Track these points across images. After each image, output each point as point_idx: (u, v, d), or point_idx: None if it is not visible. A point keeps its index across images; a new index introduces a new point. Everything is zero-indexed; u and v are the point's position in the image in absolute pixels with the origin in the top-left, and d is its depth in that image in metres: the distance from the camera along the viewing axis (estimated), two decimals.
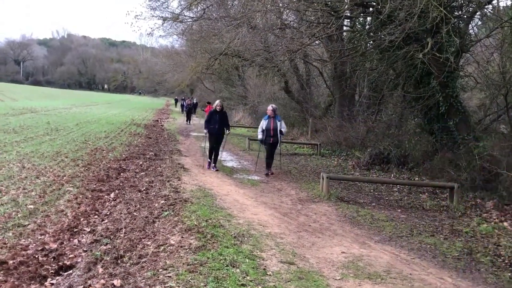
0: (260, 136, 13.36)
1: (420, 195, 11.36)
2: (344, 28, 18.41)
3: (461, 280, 5.71)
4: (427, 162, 13.24)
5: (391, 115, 17.53)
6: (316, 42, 18.99)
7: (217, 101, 13.53)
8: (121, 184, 10.77)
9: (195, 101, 42.92)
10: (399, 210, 9.59)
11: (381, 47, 12.83)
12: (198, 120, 35.11)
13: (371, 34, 14.13)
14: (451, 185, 10.28)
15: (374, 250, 6.71)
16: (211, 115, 13.21)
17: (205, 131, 13.23)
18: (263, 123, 13.25)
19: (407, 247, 7.03)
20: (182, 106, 47.74)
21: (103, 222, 7.82)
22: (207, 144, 13.63)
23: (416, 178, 12.86)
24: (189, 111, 36.16)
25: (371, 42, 14.73)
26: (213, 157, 13.41)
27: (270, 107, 13.31)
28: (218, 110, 13.12)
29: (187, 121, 34.90)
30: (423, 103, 13.26)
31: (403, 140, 14.97)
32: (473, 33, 14.46)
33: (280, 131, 13.15)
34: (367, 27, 15.33)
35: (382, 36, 11.88)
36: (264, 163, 13.76)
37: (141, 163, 13.59)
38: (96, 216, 8.20)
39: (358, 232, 7.72)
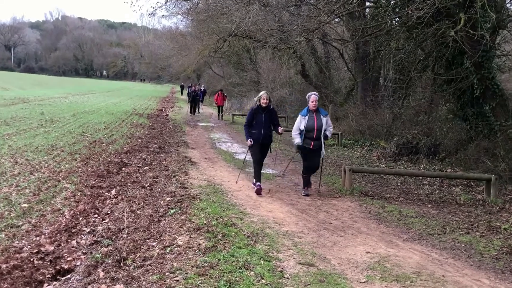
0: (297, 139, 9.88)
1: (453, 188, 11.28)
2: (367, 3, 18.28)
3: (500, 282, 5.66)
4: (461, 152, 13.15)
5: (420, 100, 17.40)
6: (336, 20, 18.92)
7: (262, 93, 9.94)
8: (122, 180, 10.82)
9: (202, 88, 41.40)
10: (429, 205, 9.53)
11: (408, 24, 12.70)
12: (206, 109, 34.96)
13: (397, 9, 14.01)
14: (488, 176, 10.19)
15: (402, 249, 6.68)
16: (253, 114, 9.83)
17: (248, 142, 9.86)
18: (301, 121, 9.84)
19: (439, 246, 6.99)
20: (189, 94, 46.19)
21: (104, 221, 7.87)
22: (248, 157, 10.75)
23: (449, 170, 12.77)
24: (193, 99, 32.73)
25: (397, 18, 14.61)
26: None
27: (314, 96, 9.87)
28: (263, 106, 9.74)
29: (191, 112, 32.38)
30: (456, 86, 13.15)
31: (433, 127, 14.86)
32: (511, 7, 14.30)
33: (325, 135, 9.88)
34: (393, 2, 15.19)
35: (409, 12, 11.75)
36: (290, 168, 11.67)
37: (144, 156, 13.64)
38: (96, 215, 8.24)
39: (385, 230, 7.69)
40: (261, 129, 9.76)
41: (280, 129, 9.95)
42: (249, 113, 10.06)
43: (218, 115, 30.61)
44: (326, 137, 9.91)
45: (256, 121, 9.80)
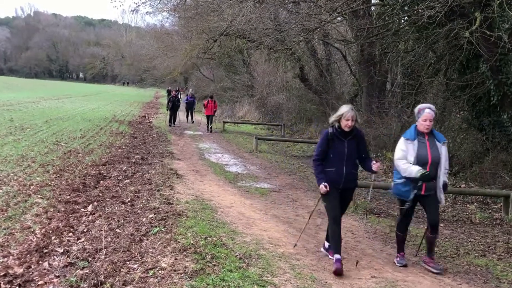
0: (415, 168, 6.85)
1: (468, 205, 11.30)
2: (373, 1, 18.36)
3: None
4: (476, 165, 13.17)
5: None
6: (338, 18, 18.96)
7: (345, 109, 6.82)
8: (100, 194, 10.78)
9: (191, 93, 37.86)
10: (442, 225, 9.53)
11: (418, 24, 12.78)
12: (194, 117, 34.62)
13: (406, 8, 14.08)
14: (506, 193, 10.21)
15: (411, 273, 6.68)
16: (327, 143, 6.95)
17: (322, 187, 6.79)
18: (408, 148, 7.00)
19: (452, 269, 6.99)
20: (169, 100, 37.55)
21: (79, 241, 7.83)
22: (321, 204, 7.49)
23: (463, 185, 12.79)
24: (174, 106, 29.48)
25: (406, 18, 14.68)
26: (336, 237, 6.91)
27: (429, 112, 7.00)
28: (346, 129, 6.84)
29: (170, 121, 29.48)
30: (471, 93, 13.20)
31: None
32: None
33: (444, 183, 7.09)
34: None
35: (420, 11, 11.83)
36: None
37: (125, 168, 13.61)
38: (70, 234, 8.20)
39: (392, 252, 7.69)
40: (342, 166, 6.87)
41: (376, 165, 6.93)
42: (321, 140, 7.08)
43: (207, 127, 27.74)
44: (445, 187, 7.09)
45: (333, 153, 6.91)
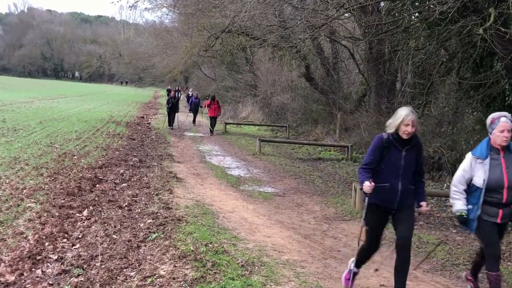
0: (458, 204, 6.11)
1: None
2: None
3: None
4: None
5: (443, 108, 17.42)
6: (346, 14, 18.95)
7: (404, 112, 5.81)
8: (96, 198, 10.77)
9: (193, 94, 35.38)
10: (454, 231, 9.51)
11: (430, 21, 12.74)
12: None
13: (417, 3, 14.05)
14: None
15: (422, 282, 6.65)
16: (381, 150, 5.97)
17: (366, 184, 5.76)
18: (476, 168, 5.99)
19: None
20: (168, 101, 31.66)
21: (74, 247, 7.82)
22: (364, 226, 6.26)
23: None
24: (173, 107, 28.84)
25: (417, 14, 14.63)
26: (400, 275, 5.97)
27: (506, 121, 5.85)
28: (405, 137, 5.83)
29: (170, 124, 28.92)
30: (484, 93, 13.15)
31: (458, 140, 14.85)
32: None
33: None
34: None
35: (431, 6, 11.79)
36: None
37: (122, 171, 13.61)
38: (65, 240, 8.19)
39: None
40: (398, 181, 5.89)
41: (425, 209, 6.23)
42: (373, 147, 6.06)
43: (210, 129, 27.21)
44: None
45: (386, 165, 5.95)
